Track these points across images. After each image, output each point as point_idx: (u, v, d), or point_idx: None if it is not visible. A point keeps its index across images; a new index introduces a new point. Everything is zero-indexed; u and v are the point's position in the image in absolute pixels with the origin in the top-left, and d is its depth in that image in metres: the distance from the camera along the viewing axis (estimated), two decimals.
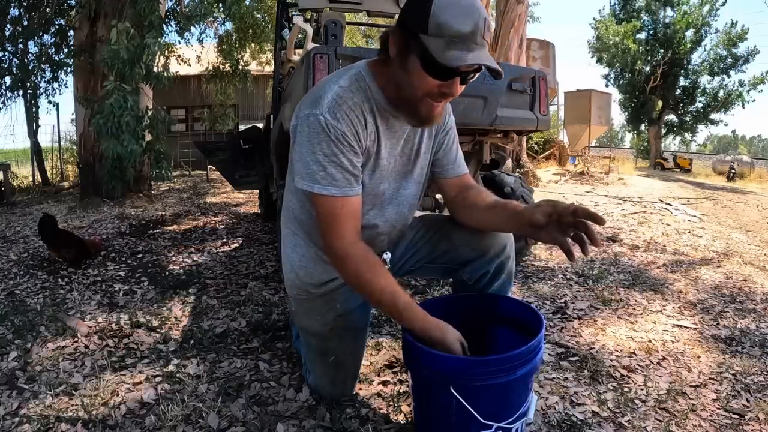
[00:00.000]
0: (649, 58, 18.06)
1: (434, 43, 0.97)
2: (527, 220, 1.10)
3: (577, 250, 1.06)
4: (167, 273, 2.75)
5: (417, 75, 1.02)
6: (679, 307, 2.22)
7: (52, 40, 6.50)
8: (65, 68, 6.66)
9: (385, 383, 1.51)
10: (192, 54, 8.61)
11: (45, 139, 8.81)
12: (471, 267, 1.31)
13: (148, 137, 5.10)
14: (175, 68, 7.78)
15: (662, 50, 17.81)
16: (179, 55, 8.12)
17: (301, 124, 1.10)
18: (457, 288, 1.42)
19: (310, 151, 1.07)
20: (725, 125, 46.27)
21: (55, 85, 6.99)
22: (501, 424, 1.06)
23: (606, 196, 6.58)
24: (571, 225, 1.05)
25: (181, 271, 2.78)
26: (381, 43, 1.12)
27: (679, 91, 18.67)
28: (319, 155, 1.06)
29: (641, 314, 2.13)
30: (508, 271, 1.35)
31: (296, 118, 1.12)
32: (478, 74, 1.04)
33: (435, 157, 1.31)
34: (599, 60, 18.98)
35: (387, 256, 1.34)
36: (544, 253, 3.11)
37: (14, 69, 6.26)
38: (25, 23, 6.11)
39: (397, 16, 3.02)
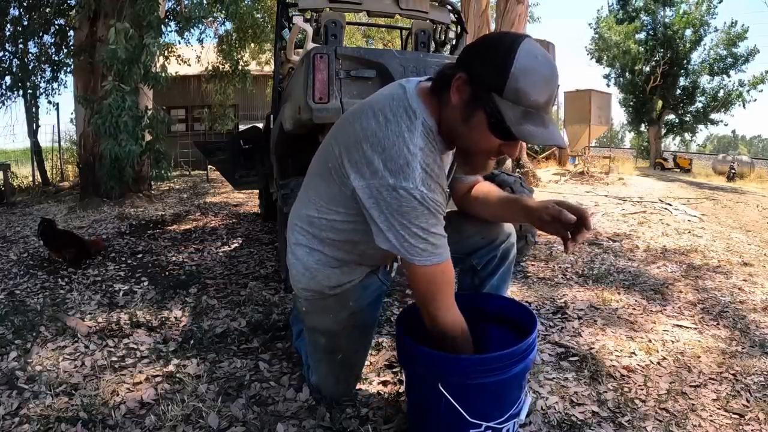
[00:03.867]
0: (648, 58, 18.06)
1: (509, 110, 0.93)
2: (537, 216, 1.22)
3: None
4: (167, 273, 2.75)
5: (481, 133, 0.99)
6: (679, 307, 2.22)
7: (52, 40, 6.50)
8: (65, 68, 6.67)
9: (385, 383, 1.51)
10: (192, 54, 8.60)
11: (45, 139, 8.79)
12: (479, 253, 1.39)
13: (148, 137, 5.11)
14: (175, 68, 7.78)
15: (662, 50, 17.81)
16: (179, 55, 8.12)
17: (386, 193, 1.00)
18: (462, 278, 1.46)
19: (404, 225, 1.01)
20: (725, 125, 46.31)
21: (55, 85, 7.00)
22: (491, 424, 1.07)
23: (606, 196, 6.58)
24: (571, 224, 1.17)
25: (181, 271, 2.78)
26: (439, 78, 1.05)
27: (679, 91, 18.67)
28: (417, 229, 1.01)
29: (641, 314, 2.12)
30: (512, 258, 1.44)
31: (372, 180, 1.02)
32: None
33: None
34: (599, 60, 18.98)
35: (396, 264, 1.38)
36: (544, 253, 3.11)
37: (14, 69, 6.27)
38: (25, 23, 6.11)
39: (397, 16, 3.03)
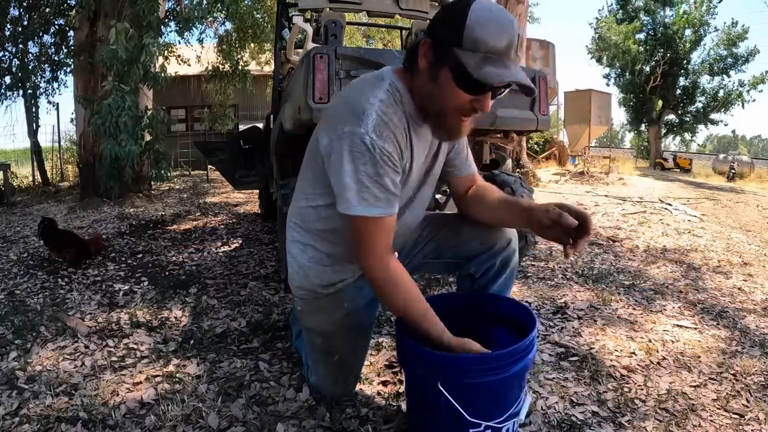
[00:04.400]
0: (648, 58, 18.06)
1: (469, 58, 0.96)
2: (536, 219, 1.15)
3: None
4: (167, 273, 2.75)
5: (449, 89, 1.01)
6: (679, 307, 2.22)
7: (52, 40, 6.51)
8: (65, 68, 6.68)
9: (385, 383, 1.51)
10: (192, 54, 8.60)
11: (45, 139, 8.81)
12: (477, 260, 1.35)
13: (148, 137, 5.11)
14: (175, 68, 7.78)
15: (662, 50, 17.81)
16: (179, 55, 8.12)
17: (341, 141, 1.04)
18: (461, 284, 1.44)
19: (351, 171, 1.03)
20: (725, 125, 46.26)
21: (55, 85, 7.01)
22: (490, 423, 1.06)
23: (606, 196, 6.58)
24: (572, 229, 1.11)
25: (181, 271, 2.78)
26: (408, 52, 1.11)
27: (679, 91, 18.68)
28: (363, 176, 1.03)
29: (641, 314, 2.12)
30: (513, 266, 1.38)
31: (332, 134, 1.06)
32: (508, 89, 1.04)
33: (448, 157, 1.32)
34: (599, 60, 18.99)
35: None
36: (544, 253, 3.11)
37: (14, 69, 6.27)
38: (25, 23, 6.11)
39: (397, 16, 3.03)
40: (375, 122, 1.03)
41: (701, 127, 19.43)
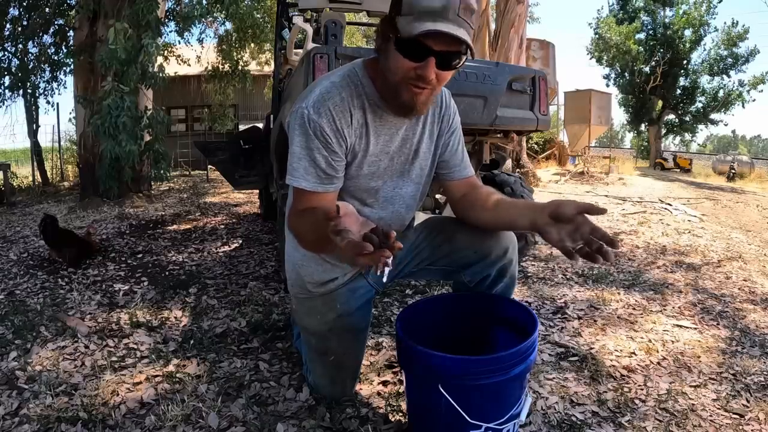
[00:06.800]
0: (648, 58, 18.07)
1: (404, 20, 0.98)
2: (552, 210, 1.04)
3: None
4: (167, 273, 2.75)
5: (393, 58, 1.02)
6: (679, 307, 2.22)
7: (52, 40, 6.51)
8: (65, 68, 6.68)
9: (385, 383, 1.51)
10: (192, 54, 8.61)
11: (45, 139, 8.81)
12: (472, 270, 1.30)
13: (147, 137, 5.11)
14: (175, 68, 7.79)
15: (662, 50, 17.82)
16: (179, 55, 8.12)
17: (291, 116, 1.13)
18: (458, 290, 1.42)
19: (291, 143, 1.11)
20: (725, 125, 46.31)
21: (55, 85, 7.02)
22: (491, 425, 1.06)
23: (606, 196, 6.58)
24: (584, 238, 0.99)
25: (181, 271, 2.78)
26: (375, 40, 1.15)
27: (679, 91, 18.68)
28: (297, 147, 1.10)
29: (641, 314, 2.12)
30: (511, 275, 1.32)
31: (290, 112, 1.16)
32: (462, 62, 1.02)
33: (441, 159, 1.28)
34: (599, 60, 18.99)
35: (387, 269, 1.34)
36: (544, 253, 3.11)
37: (14, 69, 6.27)
38: (25, 23, 6.12)
39: None
40: (316, 99, 1.08)
41: (701, 127, 19.46)
